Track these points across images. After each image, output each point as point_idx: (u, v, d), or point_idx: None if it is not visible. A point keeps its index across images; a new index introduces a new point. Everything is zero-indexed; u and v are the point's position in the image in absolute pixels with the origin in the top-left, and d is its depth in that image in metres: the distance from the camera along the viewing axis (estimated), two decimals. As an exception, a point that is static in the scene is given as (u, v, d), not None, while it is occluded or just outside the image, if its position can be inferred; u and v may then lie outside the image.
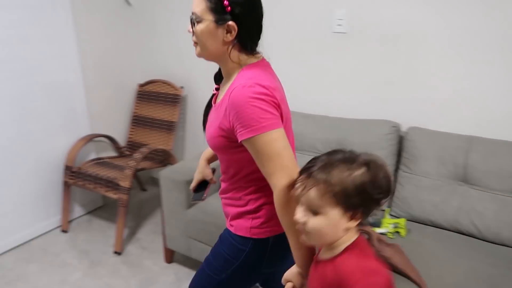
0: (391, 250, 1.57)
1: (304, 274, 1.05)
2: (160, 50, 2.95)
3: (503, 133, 1.88)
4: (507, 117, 1.88)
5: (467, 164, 1.81)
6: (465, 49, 1.89)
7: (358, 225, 0.90)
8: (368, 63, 2.15)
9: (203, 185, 1.44)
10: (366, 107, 2.21)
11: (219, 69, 1.19)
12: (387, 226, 1.81)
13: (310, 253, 1.03)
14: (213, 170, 1.44)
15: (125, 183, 2.36)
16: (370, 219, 1.85)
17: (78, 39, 2.61)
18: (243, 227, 1.14)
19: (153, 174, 3.37)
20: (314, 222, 0.88)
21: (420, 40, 1.98)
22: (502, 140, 1.84)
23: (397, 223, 1.81)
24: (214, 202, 2.15)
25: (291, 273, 1.09)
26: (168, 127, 2.84)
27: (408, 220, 1.90)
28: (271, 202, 1.03)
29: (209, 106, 1.22)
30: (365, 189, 0.84)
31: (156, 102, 2.93)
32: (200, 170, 1.43)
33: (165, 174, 2.11)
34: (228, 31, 1.02)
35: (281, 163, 0.96)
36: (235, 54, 1.07)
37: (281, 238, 1.08)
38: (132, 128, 3.01)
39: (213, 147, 1.12)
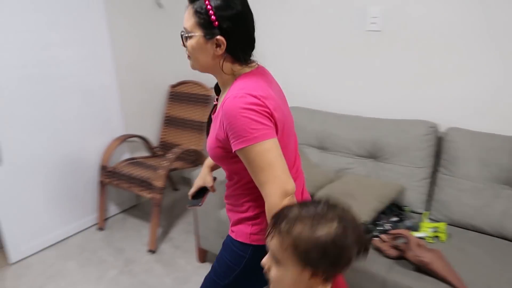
0: (431, 256, 1.52)
1: None
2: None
3: (551, 134, 1.79)
4: (555, 117, 1.79)
5: (512, 166, 1.73)
6: (508, 45, 1.81)
7: (327, 283, 0.84)
8: (404, 61, 2.09)
9: (202, 191, 1.44)
10: (401, 107, 2.15)
11: None
12: (426, 230, 1.75)
13: None
14: (214, 178, 1.44)
15: (158, 183, 2.40)
16: (408, 222, 1.80)
17: (112, 42, 2.67)
18: (243, 233, 1.16)
19: (185, 174, 3.41)
20: (275, 272, 0.85)
21: (459, 36, 1.91)
22: (550, 141, 1.75)
23: (437, 227, 1.75)
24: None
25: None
26: (199, 127, 2.86)
27: (448, 224, 1.84)
28: None
29: (210, 117, 1.24)
30: (327, 250, 0.79)
31: (187, 102, 2.95)
32: (201, 177, 1.44)
33: (198, 174, 2.12)
34: (218, 45, 1.04)
35: (274, 174, 0.97)
36: (227, 66, 1.08)
37: None
38: (164, 129, 3.05)
39: (212, 158, 1.13)
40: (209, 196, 2.09)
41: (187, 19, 1.06)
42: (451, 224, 1.85)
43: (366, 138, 2.09)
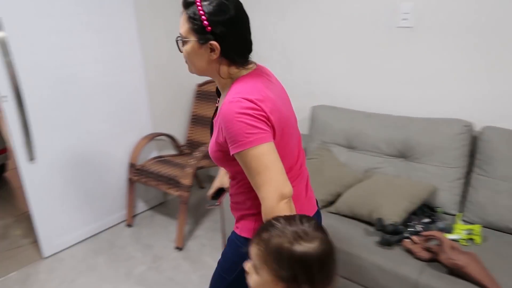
0: (466, 259, 1.46)
1: None
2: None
3: None
4: None
5: (553, 167, 1.65)
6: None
7: None
8: (437, 58, 2.03)
9: (220, 192, 1.49)
10: (434, 105, 2.09)
11: None
12: (459, 232, 1.69)
13: None
14: None
15: (186, 181, 2.42)
16: (440, 223, 1.75)
17: (141, 42, 2.71)
18: (247, 229, 1.17)
19: (211, 172, 3.43)
20: (253, 279, 0.86)
21: (495, 32, 1.83)
22: None
23: (471, 229, 1.69)
24: (273, 201, 2.14)
25: None
26: (226, 126, 2.86)
27: (483, 226, 1.77)
28: None
29: (212, 121, 1.25)
30: (302, 268, 0.78)
31: (214, 101, 2.97)
32: (219, 178, 1.48)
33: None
34: (212, 49, 1.05)
35: (270, 177, 0.98)
36: (224, 69, 1.09)
37: None
38: (191, 127, 3.08)
39: (214, 160, 1.14)
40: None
41: (182, 25, 1.08)
42: (486, 226, 1.77)
43: (397, 137, 2.04)
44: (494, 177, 1.78)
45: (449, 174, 1.90)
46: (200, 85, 3.07)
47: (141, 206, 2.96)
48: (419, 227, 1.74)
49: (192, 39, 1.06)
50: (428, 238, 1.62)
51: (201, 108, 3.04)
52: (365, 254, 1.68)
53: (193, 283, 2.21)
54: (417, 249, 1.61)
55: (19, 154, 2.22)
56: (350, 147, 2.22)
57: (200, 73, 1.13)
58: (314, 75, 2.52)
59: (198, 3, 1.04)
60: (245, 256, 1.16)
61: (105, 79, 2.55)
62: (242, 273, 1.16)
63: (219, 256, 2.41)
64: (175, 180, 2.48)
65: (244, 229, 1.19)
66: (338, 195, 2.01)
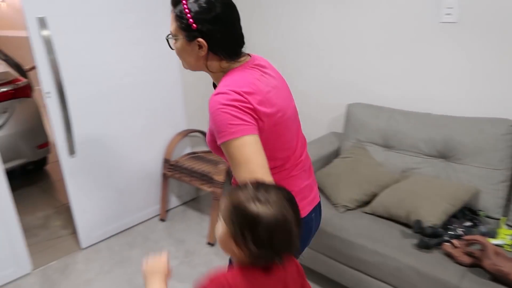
0: (511, 265, 1.39)
1: None
2: (251, 46, 2.97)
3: None
4: None
5: None
6: None
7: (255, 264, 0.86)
8: (481, 55, 1.93)
9: None
10: (477, 104, 2.00)
11: None
12: (504, 237, 1.61)
13: None
14: None
15: (219, 177, 2.44)
16: (483, 227, 1.67)
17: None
18: None
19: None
20: (217, 228, 0.89)
21: (550, 27, 1.73)
22: None
23: (517, 234, 1.61)
24: (306, 200, 2.12)
25: None
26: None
27: (530, 232, 1.68)
28: None
29: None
30: (250, 227, 0.81)
31: (247, 98, 2.97)
32: None
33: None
34: (200, 46, 1.09)
35: (249, 169, 0.99)
36: (215, 64, 1.13)
37: None
38: (224, 124, 3.09)
39: (211, 150, 1.17)
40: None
41: (171, 23, 1.12)
42: (534, 232, 1.68)
43: (437, 136, 1.97)
44: (543, 181, 1.68)
45: (493, 176, 1.81)
46: (234, 82, 3.08)
47: (174, 201, 3.01)
48: (460, 231, 1.67)
49: (181, 37, 1.10)
50: (470, 243, 1.55)
51: (234, 105, 3.05)
52: (402, 257, 1.63)
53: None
54: (458, 253, 1.55)
55: (60, 148, 2.31)
56: (387, 146, 2.16)
57: (193, 68, 1.17)
58: (350, 72, 2.47)
59: (184, 2, 1.07)
60: None
61: (142, 77, 2.60)
62: None
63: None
64: (208, 176, 2.50)
65: None
66: (374, 195, 1.96)
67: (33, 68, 2.20)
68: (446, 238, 1.63)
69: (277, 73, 1.20)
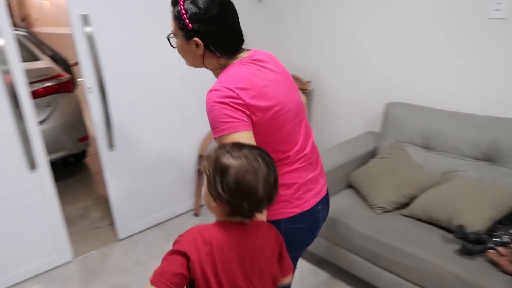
0: None
1: None
2: (288, 44, 2.96)
3: None
4: None
5: None
6: None
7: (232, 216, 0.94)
8: (534, 53, 1.83)
9: None
10: (527, 104, 1.90)
11: None
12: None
13: None
14: None
15: (253, 175, 2.43)
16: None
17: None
18: None
19: (275, 166, 3.43)
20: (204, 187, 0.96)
21: None
22: None
23: None
24: (341, 199, 2.09)
25: None
26: (294, 121, 2.84)
27: None
28: (280, 185, 1.11)
29: None
30: (217, 174, 0.90)
31: (282, 95, 2.95)
32: None
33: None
34: (197, 45, 1.13)
35: None
36: (213, 61, 1.16)
37: (295, 221, 1.18)
38: (259, 121, 3.09)
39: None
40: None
41: (171, 23, 1.16)
42: None
43: (482, 138, 1.88)
44: None
45: (543, 181, 1.72)
46: (269, 79, 3.07)
47: (207, 197, 3.04)
48: (506, 238, 1.59)
49: (179, 36, 1.15)
50: (518, 251, 1.48)
51: (269, 102, 3.04)
52: (442, 262, 1.58)
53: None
54: (503, 261, 1.48)
55: (100, 142, 2.38)
56: (427, 147, 2.09)
57: (194, 65, 1.22)
58: (389, 71, 2.40)
59: (181, 2, 1.11)
60: None
61: (180, 73, 2.63)
62: None
63: (283, 251, 2.41)
64: (242, 173, 2.51)
65: None
66: (413, 198, 1.91)
67: (77, 63, 2.27)
68: (491, 245, 1.56)
69: (280, 67, 1.23)
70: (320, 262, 2.28)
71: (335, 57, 2.68)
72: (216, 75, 1.20)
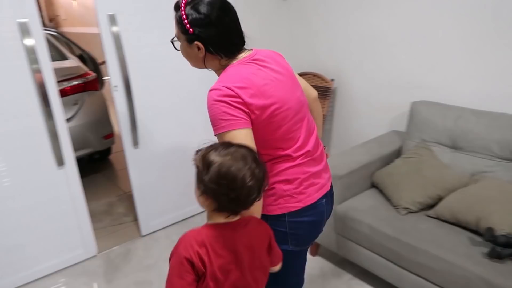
0: None
1: None
2: (311, 43, 2.94)
3: None
4: None
5: None
6: None
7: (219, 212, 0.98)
8: None
9: None
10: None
11: None
12: None
13: None
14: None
15: (275, 173, 2.43)
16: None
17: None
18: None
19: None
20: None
21: None
22: None
23: None
24: (364, 199, 2.06)
25: None
26: (317, 119, 2.82)
27: None
28: (281, 181, 1.19)
29: None
30: (204, 171, 0.94)
31: (305, 94, 2.93)
32: None
33: (317, 168, 2.09)
34: (198, 48, 1.17)
35: None
36: (215, 62, 1.21)
37: (299, 215, 1.21)
38: (281, 120, 3.08)
39: None
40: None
41: (175, 27, 1.20)
42: None
43: (513, 138, 1.82)
44: None
45: None
46: (291, 78, 3.06)
47: (229, 195, 3.05)
48: (538, 242, 1.53)
49: (182, 39, 1.20)
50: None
51: (291, 101, 3.03)
52: (470, 265, 1.53)
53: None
54: (535, 266, 1.43)
55: (125, 140, 2.42)
56: (455, 147, 2.03)
57: (198, 67, 1.27)
58: (414, 68, 2.35)
59: (182, 8, 1.15)
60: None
61: (201, 73, 2.61)
62: None
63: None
64: (264, 171, 2.50)
65: None
66: (439, 199, 1.86)
67: (104, 62, 2.32)
68: (523, 249, 1.51)
69: (282, 66, 1.25)
70: (342, 262, 2.25)
71: (359, 55, 2.64)
72: (218, 75, 1.23)
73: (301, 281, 1.44)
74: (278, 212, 1.21)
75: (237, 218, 1.02)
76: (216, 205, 0.97)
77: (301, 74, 3.00)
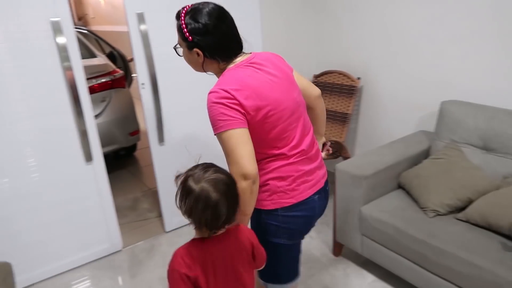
0: None
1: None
2: (338, 41, 2.90)
3: None
4: None
5: None
6: None
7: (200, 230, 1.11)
8: None
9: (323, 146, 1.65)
10: None
11: None
12: None
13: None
14: (324, 144, 1.63)
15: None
16: None
17: (263, 34, 2.77)
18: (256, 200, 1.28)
19: (320, 164, 3.38)
20: None
21: None
22: None
23: None
24: (390, 200, 2.03)
25: None
26: (342, 119, 2.79)
27: None
28: (275, 178, 1.27)
29: None
30: (184, 196, 1.06)
31: (330, 93, 2.91)
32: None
33: (342, 168, 2.06)
34: (198, 54, 1.25)
35: (234, 158, 1.15)
36: (214, 66, 1.29)
37: (291, 210, 1.29)
38: (305, 118, 3.06)
39: None
40: (352, 191, 2.02)
41: (177, 35, 1.28)
42: None
43: (549, 140, 1.75)
44: None
45: None
46: (317, 76, 3.03)
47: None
48: None
49: (183, 46, 1.28)
50: None
51: (316, 100, 3.00)
52: (503, 271, 1.48)
53: (301, 274, 2.20)
54: None
55: (151, 137, 2.45)
56: (487, 148, 1.97)
57: (199, 71, 1.34)
58: (444, 66, 2.29)
59: (182, 17, 1.23)
60: (259, 226, 1.34)
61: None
62: (261, 242, 1.29)
63: (327, 251, 2.40)
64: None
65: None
66: (469, 202, 1.81)
67: (132, 59, 2.36)
68: (558, 255, 1.45)
69: (279, 68, 1.30)
70: (366, 264, 2.22)
71: (386, 53, 2.59)
72: (217, 77, 1.31)
73: (293, 274, 1.49)
74: (272, 207, 1.29)
75: (221, 231, 1.13)
76: (194, 224, 1.09)
77: (326, 73, 2.97)
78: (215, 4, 1.26)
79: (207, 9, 1.23)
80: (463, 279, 1.60)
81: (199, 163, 1.16)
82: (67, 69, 2.06)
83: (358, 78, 2.75)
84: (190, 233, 2.80)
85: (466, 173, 1.88)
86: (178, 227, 2.73)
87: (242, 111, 1.17)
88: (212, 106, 1.18)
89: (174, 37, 1.24)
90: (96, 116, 3.11)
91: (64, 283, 2.28)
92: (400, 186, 2.13)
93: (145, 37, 2.24)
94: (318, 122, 1.54)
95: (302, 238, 1.44)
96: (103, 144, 2.73)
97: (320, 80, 3.00)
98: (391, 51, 2.56)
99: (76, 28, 3.33)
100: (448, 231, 1.72)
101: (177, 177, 1.10)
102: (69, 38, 2.03)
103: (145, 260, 2.43)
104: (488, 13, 2.03)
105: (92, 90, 2.98)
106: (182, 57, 1.33)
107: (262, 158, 1.27)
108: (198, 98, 2.58)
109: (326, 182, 1.43)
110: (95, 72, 3.17)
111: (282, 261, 1.41)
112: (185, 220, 2.83)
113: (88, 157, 2.25)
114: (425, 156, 2.19)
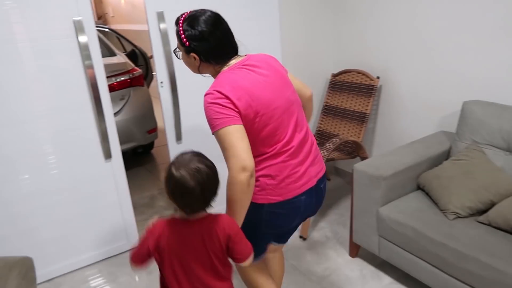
0: None
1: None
2: (357, 40, 2.87)
3: None
4: None
5: None
6: None
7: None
8: None
9: None
10: None
11: None
12: None
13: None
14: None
15: (316, 172, 2.40)
16: None
17: (282, 32, 2.76)
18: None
19: (337, 164, 3.36)
20: None
21: None
22: None
23: None
24: (409, 201, 2.00)
25: None
26: (360, 118, 2.76)
27: None
28: (266, 175, 1.35)
29: None
30: (168, 181, 1.17)
31: (348, 92, 2.88)
32: None
33: (360, 168, 2.04)
34: (194, 58, 1.34)
35: (233, 153, 1.21)
36: (210, 69, 1.39)
37: (276, 207, 1.38)
38: (322, 117, 3.04)
39: None
40: (370, 191, 2.00)
41: (176, 40, 1.37)
42: None
43: None
44: None
45: None
46: (335, 75, 3.01)
47: (268, 192, 3.05)
48: None
49: (181, 50, 1.37)
50: None
51: (334, 98, 2.98)
52: (526, 277, 1.44)
53: (316, 274, 2.20)
54: None
55: (169, 135, 2.47)
56: (510, 150, 1.92)
57: (197, 73, 1.42)
58: (466, 66, 2.24)
59: (180, 23, 1.33)
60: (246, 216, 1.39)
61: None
62: (244, 229, 1.33)
63: (343, 251, 2.38)
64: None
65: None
66: (491, 204, 1.77)
67: (152, 56, 2.39)
68: None
69: (272, 69, 1.37)
70: (383, 265, 2.20)
71: (405, 51, 2.55)
72: (214, 79, 1.38)
73: (263, 251, 1.58)
74: (260, 201, 1.38)
75: (202, 215, 1.23)
76: (176, 205, 1.20)
77: (344, 72, 2.94)
78: (211, 12, 1.35)
79: (203, 17, 1.31)
80: (484, 284, 1.56)
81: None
82: (89, 68, 2.09)
83: (378, 77, 2.71)
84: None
85: (489, 175, 1.83)
86: (194, 225, 2.74)
87: (236, 110, 1.24)
88: (208, 107, 1.25)
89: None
90: (115, 114, 3.15)
91: (81, 278, 2.32)
92: (420, 188, 2.10)
93: (164, 35, 2.26)
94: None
95: (288, 233, 1.57)
96: (121, 141, 2.77)
97: (339, 79, 2.97)
98: (411, 49, 2.51)
99: (97, 26, 3.38)
100: (469, 234, 1.69)
101: (167, 167, 1.21)
102: (90, 37, 2.06)
103: (162, 256, 2.46)
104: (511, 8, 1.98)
105: (111, 88, 3.02)
106: (181, 59, 1.42)
107: (254, 156, 1.32)
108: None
109: (321, 180, 1.48)
110: (114, 71, 3.21)
111: (257, 245, 1.47)
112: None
113: (107, 155, 2.28)
114: (446, 157, 2.15)
